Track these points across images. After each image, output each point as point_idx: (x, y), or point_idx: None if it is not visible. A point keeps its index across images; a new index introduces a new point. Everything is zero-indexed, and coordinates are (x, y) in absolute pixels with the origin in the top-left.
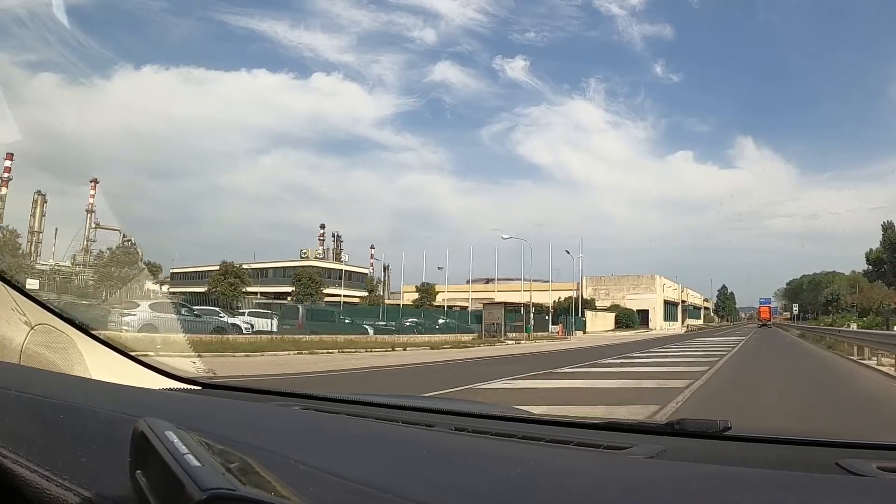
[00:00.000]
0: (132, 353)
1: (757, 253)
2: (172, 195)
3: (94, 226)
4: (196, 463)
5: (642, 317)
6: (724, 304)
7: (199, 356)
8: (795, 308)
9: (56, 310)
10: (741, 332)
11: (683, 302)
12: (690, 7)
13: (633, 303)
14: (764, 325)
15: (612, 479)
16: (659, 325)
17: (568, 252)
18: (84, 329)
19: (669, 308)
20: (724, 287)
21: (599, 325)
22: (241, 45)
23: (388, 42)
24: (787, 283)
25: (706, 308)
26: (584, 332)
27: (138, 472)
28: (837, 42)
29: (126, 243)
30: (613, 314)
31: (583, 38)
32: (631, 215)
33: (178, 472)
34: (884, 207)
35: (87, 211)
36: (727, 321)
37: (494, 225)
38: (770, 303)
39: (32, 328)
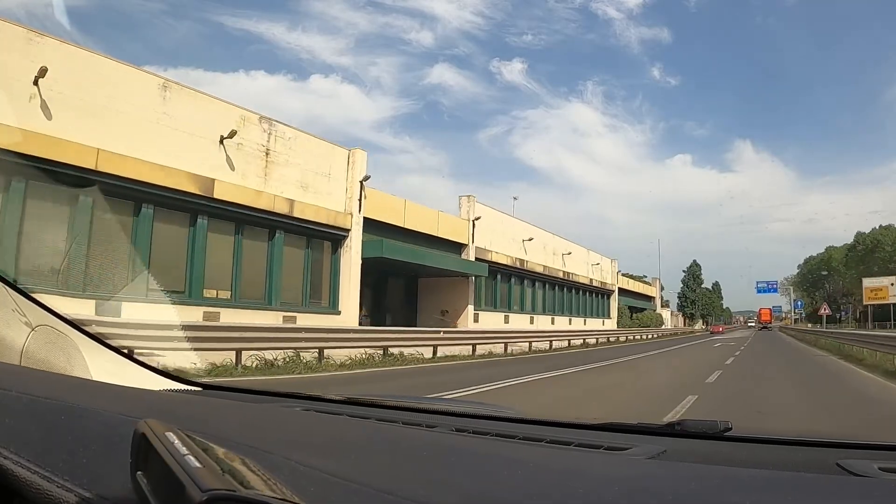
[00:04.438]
0: (133, 355)
1: (756, 256)
2: None
3: None
4: (196, 464)
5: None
6: (696, 295)
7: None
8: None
9: (57, 311)
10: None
11: (495, 264)
12: (688, 10)
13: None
14: (765, 327)
15: (612, 479)
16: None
17: None
18: (85, 330)
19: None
20: (693, 264)
21: None
22: (239, 47)
23: (386, 44)
24: (801, 266)
25: (644, 296)
26: None
27: (139, 473)
28: (836, 45)
29: None
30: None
31: (580, 41)
32: (630, 218)
33: (178, 474)
34: (883, 211)
35: None
36: (704, 325)
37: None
38: (776, 290)
39: (33, 329)
